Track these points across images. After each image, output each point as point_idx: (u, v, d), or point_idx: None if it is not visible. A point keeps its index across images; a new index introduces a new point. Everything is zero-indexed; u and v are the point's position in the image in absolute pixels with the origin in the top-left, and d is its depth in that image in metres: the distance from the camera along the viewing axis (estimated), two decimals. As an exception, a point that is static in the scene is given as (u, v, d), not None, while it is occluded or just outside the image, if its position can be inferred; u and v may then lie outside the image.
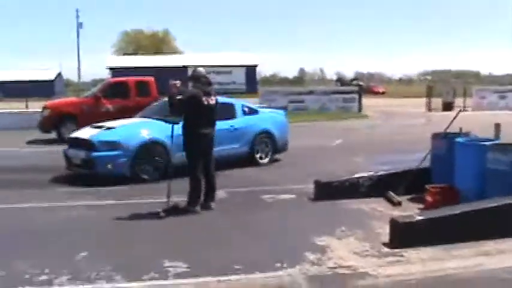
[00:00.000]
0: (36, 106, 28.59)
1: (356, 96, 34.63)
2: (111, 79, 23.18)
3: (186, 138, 8.93)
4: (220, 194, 9.37)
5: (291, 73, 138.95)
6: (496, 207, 7.25)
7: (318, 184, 9.69)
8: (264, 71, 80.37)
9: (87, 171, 11.66)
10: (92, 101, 20.20)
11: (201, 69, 9.26)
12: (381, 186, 9.63)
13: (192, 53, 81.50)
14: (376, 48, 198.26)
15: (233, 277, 5.94)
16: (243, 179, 11.56)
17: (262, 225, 8.24)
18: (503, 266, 6.23)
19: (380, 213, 8.54)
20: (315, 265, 6.27)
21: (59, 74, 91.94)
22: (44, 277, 6.00)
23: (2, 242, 7.50)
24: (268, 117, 14.50)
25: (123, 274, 6.04)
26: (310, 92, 34.99)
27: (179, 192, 8.93)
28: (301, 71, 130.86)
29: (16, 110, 28.30)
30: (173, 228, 8.10)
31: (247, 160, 13.42)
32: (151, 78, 21.61)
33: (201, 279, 5.90)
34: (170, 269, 6.21)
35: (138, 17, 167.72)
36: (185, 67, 68.99)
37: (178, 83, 8.94)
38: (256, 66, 76.54)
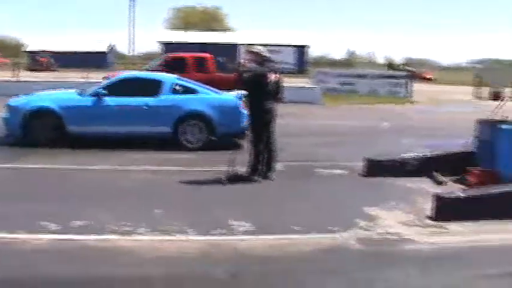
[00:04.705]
0: (93, 77, 29.49)
1: (405, 81, 34.75)
2: (170, 54, 23.97)
3: (251, 112, 9.62)
4: (277, 166, 9.95)
5: (338, 54, 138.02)
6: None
7: (368, 161, 10.34)
8: (311, 51, 79.64)
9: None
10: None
11: (262, 48, 9.88)
12: (427, 167, 10.15)
13: (243, 31, 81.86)
14: (426, 35, 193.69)
15: (292, 236, 6.70)
16: (298, 154, 12.10)
17: (317, 195, 8.98)
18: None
19: (425, 190, 9.00)
20: (365, 230, 6.99)
21: (112, 47, 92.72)
22: (126, 228, 6.81)
23: (86, 197, 8.39)
24: (206, 99, 12.85)
25: (194, 229, 6.80)
26: (361, 75, 35.33)
27: (241, 163, 9.68)
28: (350, 52, 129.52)
29: (76, 80, 29.24)
30: (236, 193, 8.88)
31: (170, 142, 12.43)
32: (209, 55, 22.44)
33: (264, 236, 6.66)
34: (236, 227, 6.96)
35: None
36: (235, 44, 69.97)
37: (246, 61, 9.74)
38: (306, 47, 76.76)
